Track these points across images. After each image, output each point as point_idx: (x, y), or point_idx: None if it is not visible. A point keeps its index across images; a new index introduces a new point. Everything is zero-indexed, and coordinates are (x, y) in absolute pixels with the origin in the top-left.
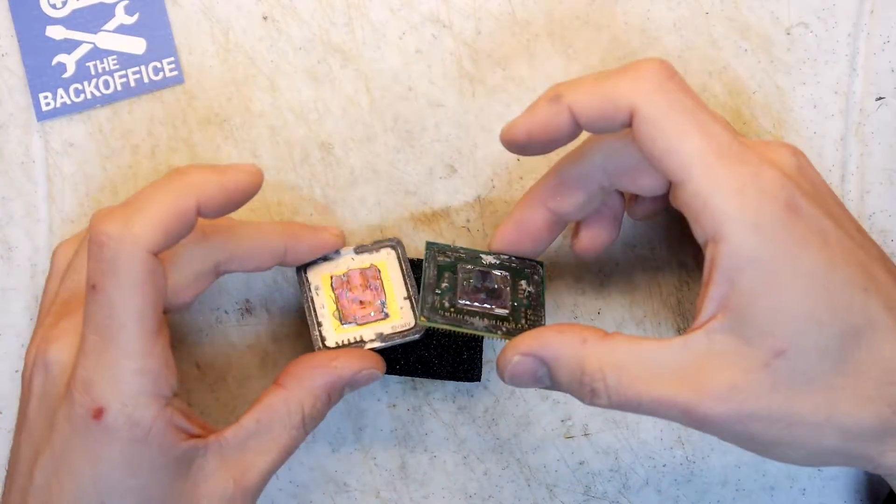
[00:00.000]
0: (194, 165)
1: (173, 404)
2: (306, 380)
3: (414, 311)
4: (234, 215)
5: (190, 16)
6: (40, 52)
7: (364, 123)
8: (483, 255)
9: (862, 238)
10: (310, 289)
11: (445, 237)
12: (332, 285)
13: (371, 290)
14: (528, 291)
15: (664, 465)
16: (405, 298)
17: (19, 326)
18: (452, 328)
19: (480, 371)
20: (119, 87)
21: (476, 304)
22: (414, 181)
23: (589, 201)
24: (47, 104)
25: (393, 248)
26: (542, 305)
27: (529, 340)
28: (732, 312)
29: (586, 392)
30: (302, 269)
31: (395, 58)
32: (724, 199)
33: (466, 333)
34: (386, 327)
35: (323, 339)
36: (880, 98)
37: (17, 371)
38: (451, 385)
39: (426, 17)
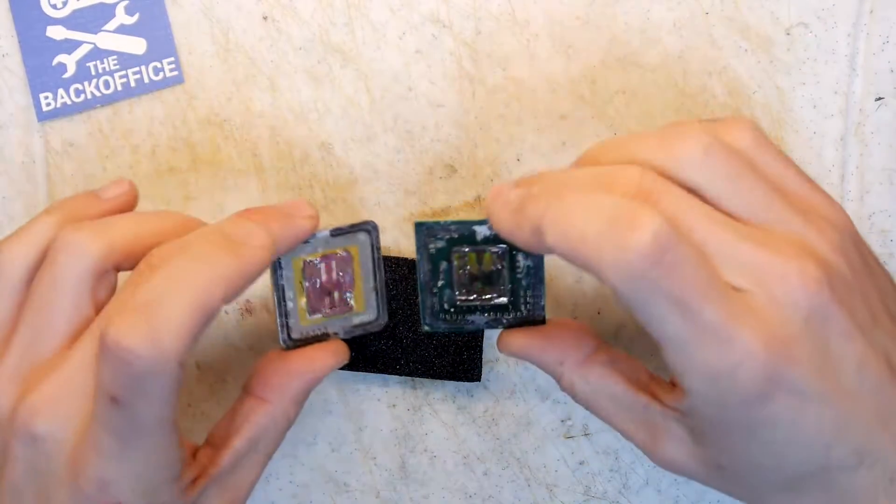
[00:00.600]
0: (209, 244)
1: (184, 473)
2: (287, 389)
3: (378, 304)
4: None
5: (190, 16)
6: (41, 53)
7: (364, 123)
8: (477, 228)
9: (861, 373)
10: (281, 276)
11: None
12: (303, 272)
13: (340, 279)
14: (527, 266)
15: None
16: (372, 289)
17: None
18: (455, 332)
19: (480, 371)
20: (119, 87)
21: (474, 296)
22: (414, 181)
23: None
24: (48, 104)
25: (367, 232)
26: (542, 280)
27: (517, 346)
28: (687, 424)
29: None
30: (276, 262)
31: (395, 58)
32: (692, 381)
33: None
34: (351, 319)
35: (289, 330)
36: (880, 98)
37: None
38: (451, 385)
39: (426, 17)
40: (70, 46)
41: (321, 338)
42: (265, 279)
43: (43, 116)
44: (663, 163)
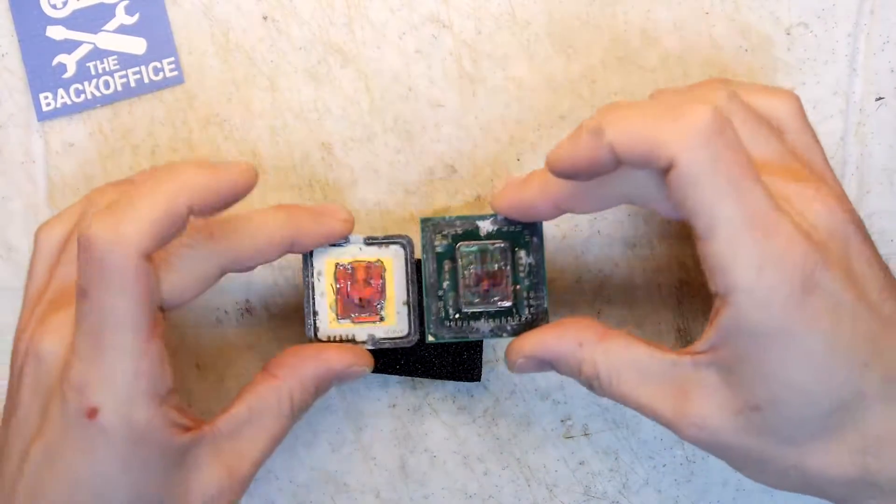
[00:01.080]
0: (186, 162)
1: (169, 401)
2: (297, 370)
3: (410, 319)
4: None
5: (190, 16)
6: (41, 53)
7: (364, 123)
8: (480, 223)
9: (883, 298)
10: (312, 273)
11: None
12: (335, 275)
13: (372, 288)
14: (529, 264)
15: (664, 465)
16: (404, 304)
17: None
18: (460, 341)
19: (480, 371)
20: (119, 88)
21: (478, 300)
22: (414, 181)
23: (602, 209)
24: (48, 104)
25: (402, 246)
26: (543, 280)
27: (531, 344)
28: (722, 360)
29: (585, 384)
30: (308, 251)
31: (395, 58)
32: (740, 272)
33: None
34: (379, 330)
35: (316, 330)
36: (880, 98)
37: None
38: (451, 385)
39: (426, 17)
40: (70, 46)
41: (347, 343)
42: (264, 280)
43: (43, 116)
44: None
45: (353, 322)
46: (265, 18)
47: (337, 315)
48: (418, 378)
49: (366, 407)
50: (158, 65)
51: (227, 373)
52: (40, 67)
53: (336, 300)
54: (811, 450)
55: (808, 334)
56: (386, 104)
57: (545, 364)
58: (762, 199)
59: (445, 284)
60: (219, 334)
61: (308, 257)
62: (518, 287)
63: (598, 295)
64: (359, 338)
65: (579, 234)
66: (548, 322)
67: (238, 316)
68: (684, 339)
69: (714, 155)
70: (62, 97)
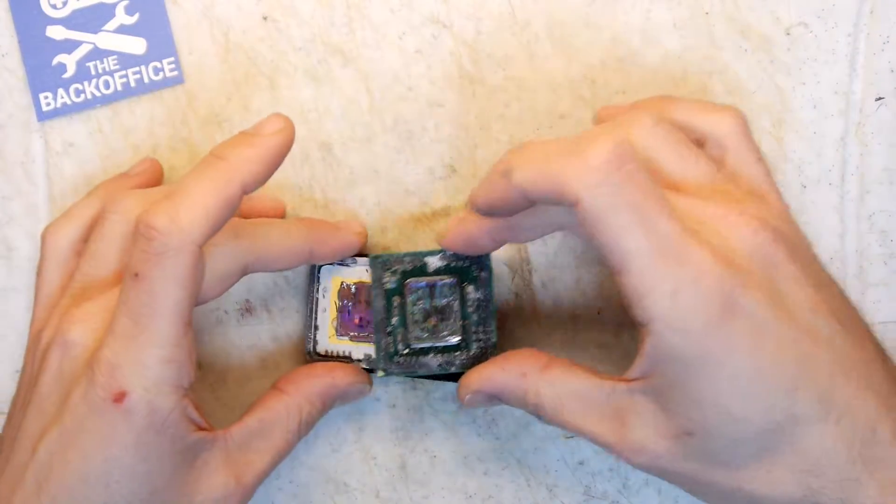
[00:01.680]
0: (230, 145)
1: (189, 396)
2: (305, 386)
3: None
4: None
5: (190, 16)
6: (41, 52)
7: (364, 123)
8: (428, 259)
9: (815, 317)
10: (318, 289)
11: None
12: (339, 293)
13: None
14: (477, 299)
15: None
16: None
17: (20, 326)
18: (410, 376)
19: None
20: (119, 87)
21: (427, 335)
22: (414, 181)
23: (537, 237)
24: (48, 104)
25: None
26: (492, 314)
27: (477, 379)
28: (653, 387)
29: (532, 414)
30: (317, 267)
31: (395, 58)
32: (655, 300)
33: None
34: (364, 350)
35: (315, 344)
36: (880, 98)
37: (17, 371)
38: (451, 385)
39: (426, 17)
40: (70, 46)
41: (344, 360)
42: (264, 280)
43: (43, 116)
44: (627, 132)
45: (350, 340)
46: (265, 18)
47: (336, 331)
48: (418, 378)
49: (366, 407)
50: (158, 65)
51: (227, 373)
52: (40, 67)
53: (337, 318)
54: (752, 472)
55: (730, 358)
56: (386, 104)
57: (493, 398)
58: (670, 228)
59: (394, 320)
60: (219, 334)
61: (316, 273)
62: (466, 322)
63: (598, 295)
64: (355, 356)
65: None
66: (495, 352)
67: (238, 316)
68: None
69: (614, 190)
70: (62, 97)
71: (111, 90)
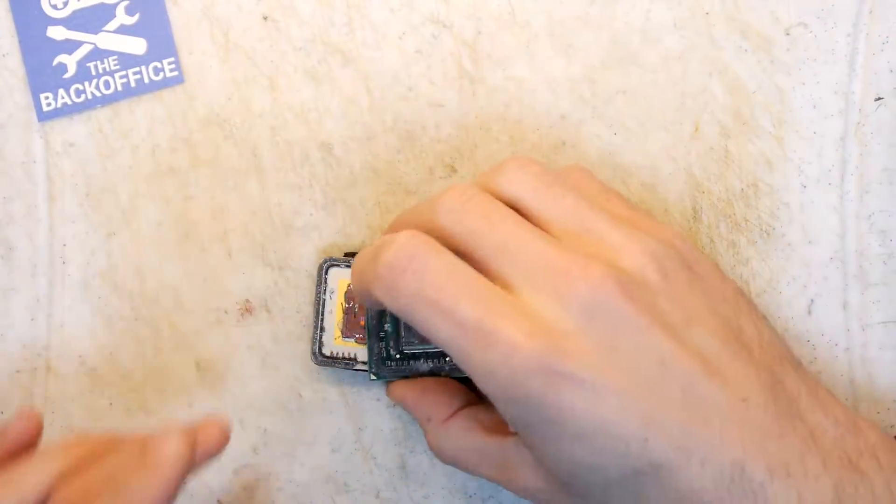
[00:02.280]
0: (163, 442)
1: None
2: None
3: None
4: None
5: (190, 16)
6: (41, 53)
7: (364, 123)
8: None
9: (666, 367)
10: (324, 291)
11: None
12: (345, 294)
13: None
14: None
15: None
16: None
17: (19, 326)
18: (403, 378)
19: None
20: (119, 88)
21: (417, 340)
22: (414, 181)
23: None
24: (48, 104)
25: (330, 266)
26: None
27: (399, 395)
28: (524, 443)
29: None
30: (324, 268)
31: (395, 58)
32: (479, 381)
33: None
34: (362, 351)
35: (321, 345)
36: (880, 98)
37: (17, 371)
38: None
39: (426, 17)
40: (70, 46)
41: (349, 362)
42: (264, 280)
43: (43, 116)
44: (489, 179)
45: (356, 342)
46: (265, 18)
47: (342, 333)
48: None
49: (366, 407)
50: (158, 65)
51: (227, 373)
52: (40, 67)
53: (343, 319)
54: None
55: (570, 421)
56: (386, 104)
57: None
58: (470, 311)
59: (387, 326)
60: (219, 334)
61: (323, 274)
62: None
63: None
64: (359, 357)
65: None
66: None
67: (238, 316)
68: None
69: (408, 292)
70: (62, 97)
71: (111, 90)
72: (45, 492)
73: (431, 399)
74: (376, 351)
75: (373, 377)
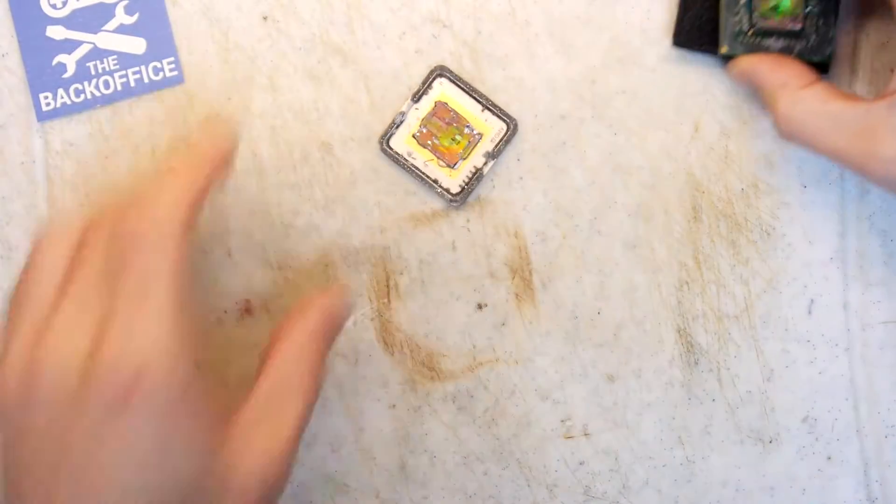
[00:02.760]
0: (176, 164)
1: (204, 370)
2: (298, 331)
3: (497, 114)
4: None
5: (190, 16)
6: (40, 53)
7: (364, 123)
8: None
9: None
10: (404, 159)
11: (445, 237)
12: (419, 143)
13: (453, 123)
14: None
15: (664, 465)
16: (482, 111)
17: None
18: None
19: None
20: (119, 87)
21: (769, 19)
22: (414, 181)
23: None
24: (47, 104)
25: (440, 76)
26: (834, 9)
27: (747, 65)
28: None
29: (774, 122)
30: (385, 144)
31: (395, 58)
32: None
33: None
34: (487, 144)
35: (448, 191)
36: None
37: None
38: (450, 385)
39: (426, 17)
40: (70, 46)
41: (476, 176)
42: (263, 280)
43: (43, 116)
44: None
45: (463, 159)
46: (265, 18)
47: (449, 166)
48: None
49: (366, 407)
50: (158, 65)
51: (227, 373)
52: (40, 67)
53: (438, 158)
54: None
55: None
56: (386, 104)
57: (753, 84)
58: None
59: (742, 1)
60: (219, 334)
61: (389, 149)
62: (808, 11)
63: (598, 295)
64: (478, 164)
65: (579, 234)
66: (830, 57)
67: (238, 316)
68: (684, 339)
69: None
70: (62, 97)
71: (111, 90)
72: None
73: (789, 66)
74: (731, 25)
75: (724, 49)
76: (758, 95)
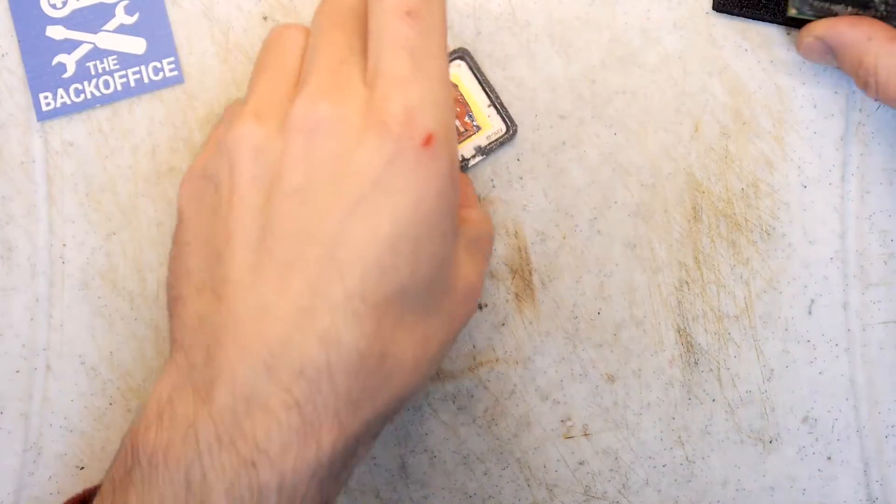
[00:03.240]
0: None
1: None
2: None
3: (502, 115)
4: None
5: (190, 16)
6: (40, 52)
7: None
8: None
9: None
10: None
11: None
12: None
13: (457, 107)
14: None
15: (664, 465)
16: (489, 106)
17: (19, 326)
18: (814, 18)
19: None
20: (119, 87)
21: None
22: None
23: None
24: (47, 104)
25: (461, 58)
26: None
27: (824, 27)
28: None
29: (860, 83)
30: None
31: None
32: None
33: None
34: (481, 139)
35: None
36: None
37: (17, 371)
38: (450, 385)
39: None
40: (70, 46)
41: (461, 165)
42: None
43: (42, 116)
44: None
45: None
46: (265, 18)
47: None
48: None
49: None
50: (158, 65)
51: None
52: (40, 67)
53: None
54: None
55: None
56: None
57: (828, 52)
58: None
59: None
60: None
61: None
62: None
63: (598, 295)
64: (467, 155)
65: (579, 234)
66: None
67: None
68: (684, 339)
69: None
70: (62, 97)
71: (111, 90)
72: None
73: (869, 22)
74: None
75: (793, 11)
76: (838, 62)
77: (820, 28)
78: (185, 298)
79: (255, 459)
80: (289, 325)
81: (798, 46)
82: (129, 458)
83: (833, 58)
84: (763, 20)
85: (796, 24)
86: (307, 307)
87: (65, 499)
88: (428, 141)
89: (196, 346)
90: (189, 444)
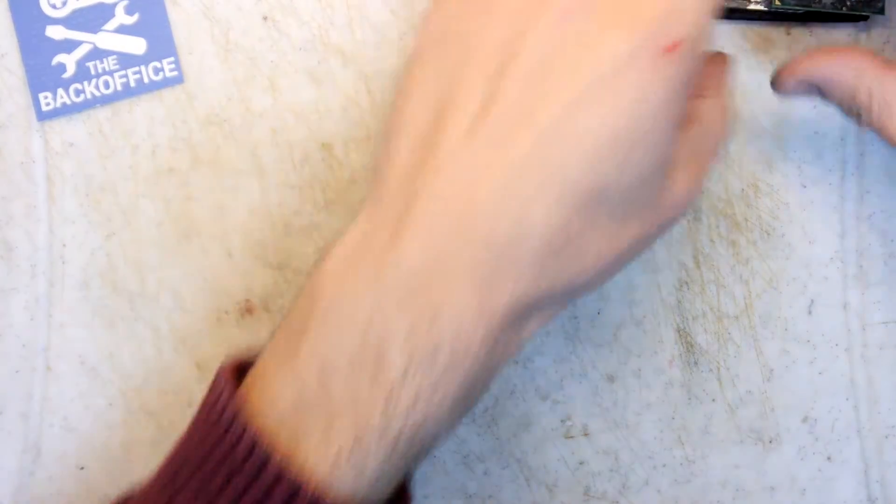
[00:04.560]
0: None
1: None
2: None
3: None
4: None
5: (190, 16)
6: (40, 52)
7: (364, 124)
8: None
9: None
10: None
11: None
12: None
13: None
14: None
15: (664, 465)
16: None
17: (19, 326)
18: (803, 9)
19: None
20: (119, 87)
21: None
22: None
23: None
24: (47, 104)
25: None
26: None
27: (805, 65)
28: None
29: (853, 115)
30: None
31: (396, 58)
32: None
33: (815, 12)
34: None
35: None
36: None
37: (17, 371)
38: None
39: None
40: (70, 46)
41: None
42: (264, 280)
43: (42, 116)
44: None
45: None
46: (265, 18)
47: None
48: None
49: None
50: (158, 65)
51: None
52: (40, 67)
53: None
54: None
55: None
56: (386, 104)
57: (813, 88)
58: None
59: None
60: (219, 334)
61: None
62: None
63: (598, 296)
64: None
65: None
66: (882, 10)
67: (238, 316)
68: (684, 339)
69: None
70: (62, 97)
71: (111, 90)
72: None
73: (852, 56)
74: None
75: (777, 2)
76: (827, 97)
77: (799, 66)
78: (395, 155)
79: (433, 315)
80: (488, 195)
81: (777, 86)
82: (306, 307)
83: (818, 93)
84: (749, 20)
85: (785, 18)
86: (505, 184)
87: (65, 499)
88: (673, 48)
89: (394, 201)
90: (370, 295)
